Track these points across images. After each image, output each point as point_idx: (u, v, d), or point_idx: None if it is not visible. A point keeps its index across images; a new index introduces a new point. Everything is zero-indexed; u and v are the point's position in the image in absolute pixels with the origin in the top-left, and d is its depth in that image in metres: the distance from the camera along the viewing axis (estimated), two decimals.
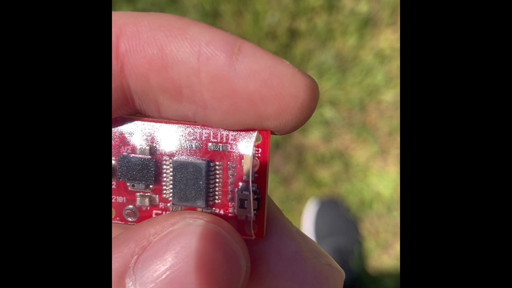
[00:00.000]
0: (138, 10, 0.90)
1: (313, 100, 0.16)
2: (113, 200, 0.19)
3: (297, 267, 0.18)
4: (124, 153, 0.19)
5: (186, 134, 0.18)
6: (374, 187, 0.91)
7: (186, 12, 0.92)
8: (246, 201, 0.18)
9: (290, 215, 0.92)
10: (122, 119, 0.18)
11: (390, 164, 0.91)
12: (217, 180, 0.18)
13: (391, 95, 0.91)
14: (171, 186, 0.18)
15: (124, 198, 0.19)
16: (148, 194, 0.19)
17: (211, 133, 0.18)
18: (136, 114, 0.19)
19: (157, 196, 0.19)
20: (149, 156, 0.18)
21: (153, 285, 0.15)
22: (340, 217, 0.89)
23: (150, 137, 0.18)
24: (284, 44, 0.92)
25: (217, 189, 0.19)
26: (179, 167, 0.18)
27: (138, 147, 0.19)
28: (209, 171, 0.18)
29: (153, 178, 0.19)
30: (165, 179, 0.19)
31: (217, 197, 0.19)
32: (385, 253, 0.91)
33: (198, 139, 0.18)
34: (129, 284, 0.16)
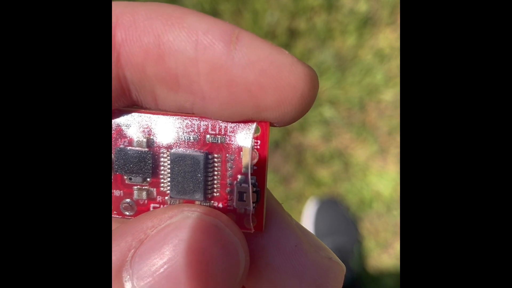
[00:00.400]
0: None
1: (313, 90, 0.16)
2: None
3: (296, 261, 0.18)
4: (121, 146, 0.18)
5: (184, 126, 0.18)
6: (374, 186, 0.91)
7: None
8: (245, 194, 0.18)
9: None
10: (119, 111, 0.18)
11: (390, 163, 0.91)
12: (216, 172, 0.18)
13: (391, 94, 0.91)
14: (168, 179, 0.18)
15: (121, 191, 0.19)
16: (145, 187, 0.19)
17: (209, 125, 0.18)
18: (133, 106, 0.18)
19: (155, 189, 0.19)
20: (146, 149, 0.18)
21: (150, 279, 0.15)
22: (340, 216, 0.89)
23: (148, 129, 0.18)
24: (283, 43, 0.91)
25: (215, 182, 0.18)
26: (177, 160, 0.18)
27: (135, 139, 0.18)
28: (207, 163, 0.18)
29: (151, 171, 0.18)
30: (162, 172, 0.18)
31: (215, 190, 0.18)
32: (385, 252, 0.91)
33: (196, 131, 0.18)
34: (126, 278, 0.15)
